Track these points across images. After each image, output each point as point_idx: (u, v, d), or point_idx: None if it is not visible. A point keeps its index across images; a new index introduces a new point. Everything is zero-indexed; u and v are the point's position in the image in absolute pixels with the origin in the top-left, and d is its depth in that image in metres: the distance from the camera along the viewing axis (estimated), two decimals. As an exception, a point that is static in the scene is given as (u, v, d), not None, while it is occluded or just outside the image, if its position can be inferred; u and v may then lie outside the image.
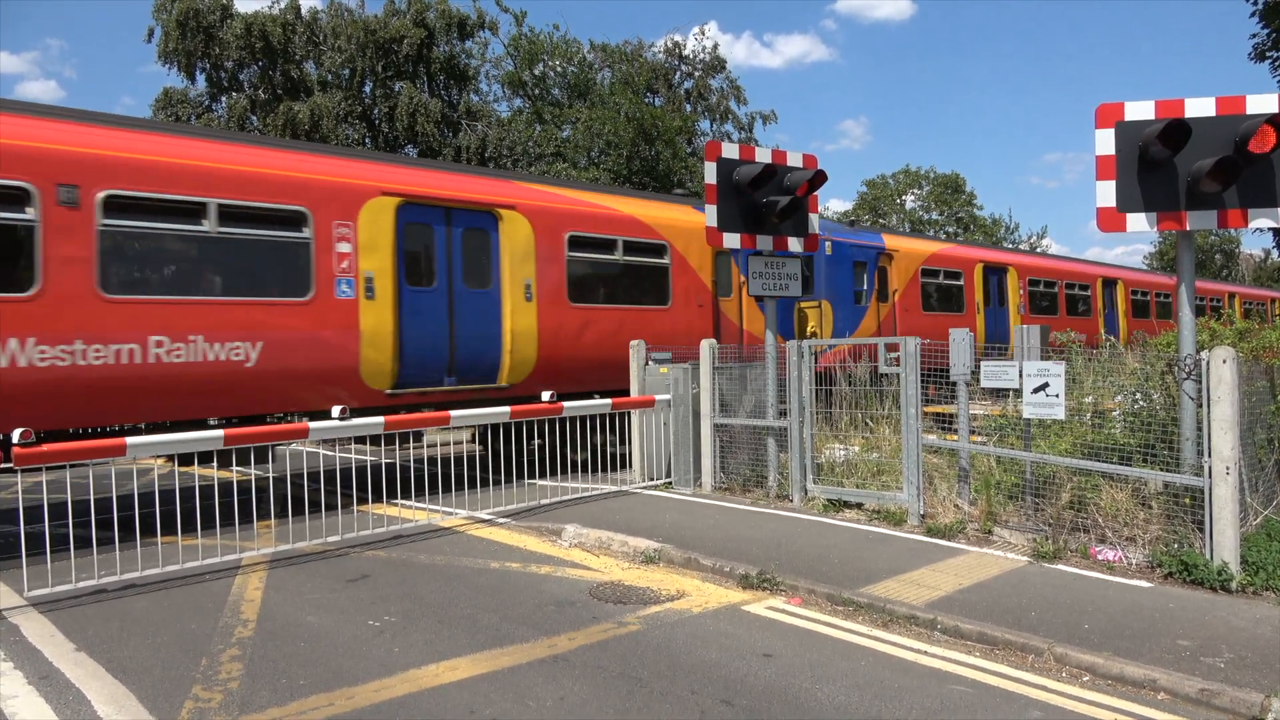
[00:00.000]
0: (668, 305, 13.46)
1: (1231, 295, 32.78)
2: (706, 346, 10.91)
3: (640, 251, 13.23)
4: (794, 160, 10.47)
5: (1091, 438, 8.19)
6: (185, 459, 9.14)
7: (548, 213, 12.06)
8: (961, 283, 19.80)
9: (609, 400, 10.87)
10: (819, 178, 10.26)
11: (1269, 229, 20.94)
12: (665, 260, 13.52)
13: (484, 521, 9.45)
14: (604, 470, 11.98)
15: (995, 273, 20.84)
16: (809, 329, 16.03)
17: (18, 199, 7.96)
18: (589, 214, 12.66)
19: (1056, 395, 7.72)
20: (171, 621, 6.30)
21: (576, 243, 12.32)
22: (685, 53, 35.28)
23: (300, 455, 14.91)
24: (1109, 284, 25.54)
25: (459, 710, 4.79)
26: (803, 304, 15.94)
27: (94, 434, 8.67)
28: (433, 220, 10.89)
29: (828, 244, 16.26)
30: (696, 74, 35.55)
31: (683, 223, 13.85)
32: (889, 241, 18.51)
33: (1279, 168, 7.22)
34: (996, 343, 19.36)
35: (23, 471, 6.75)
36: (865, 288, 17.22)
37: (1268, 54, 22.44)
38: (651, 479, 11.38)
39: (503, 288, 11.40)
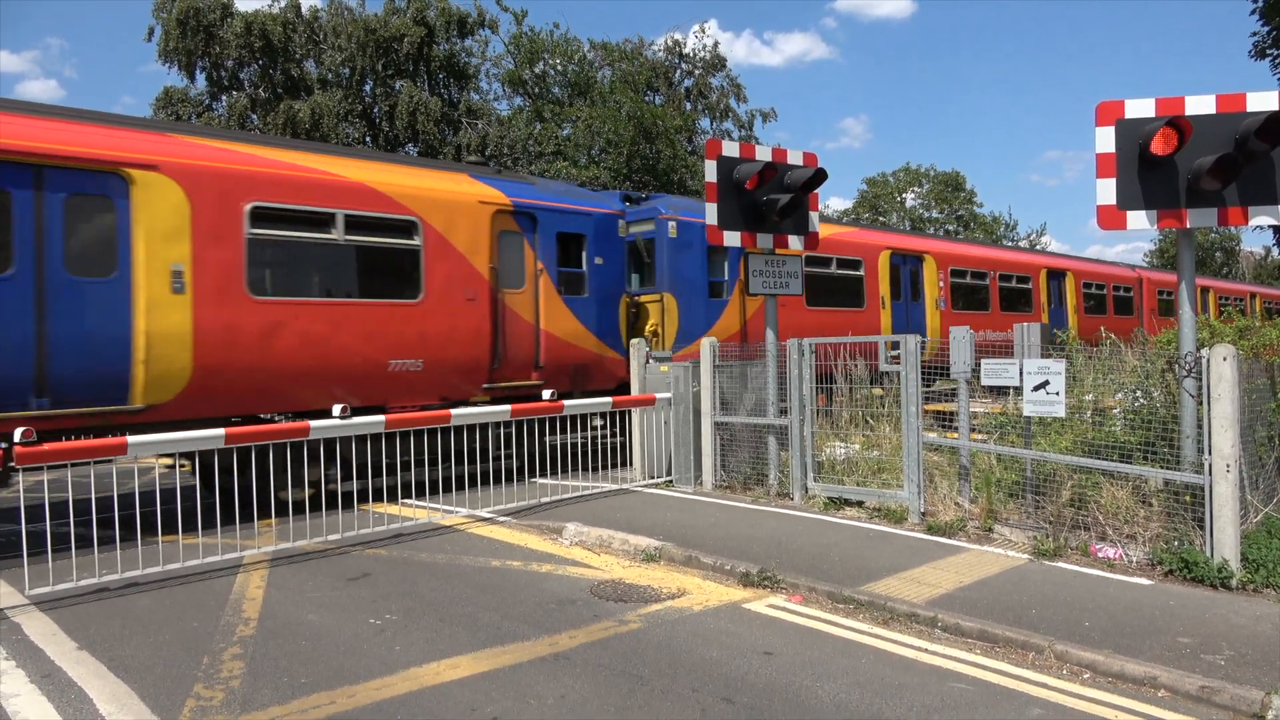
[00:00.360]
0: (418, 299, 10.71)
1: (1206, 290, 30.01)
2: (707, 345, 10.91)
3: (374, 230, 10.46)
4: (794, 158, 10.47)
5: (1092, 435, 8.20)
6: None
7: (214, 176, 9.24)
8: (861, 273, 16.96)
9: (609, 399, 10.88)
10: (819, 176, 10.26)
11: (1269, 226, 20.74)
12: (415, 241, 10.74)
13: (485, 520, 9.46)
14: (605, 468, 11.98)
15: (907, 261, 18.25)
16: (647, 327, 13.56)
17: None
18: (287, 179, 9.79)
19: (1057, 393, 7.72)
20: (173, 620, 6.31)
21: (265, 217, 9.55)
22: (685, 51, 35.30)
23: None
24: (1055, 276, 22.86)
25: (460, 708, 4.80)
26: (641, 298, 13.76)
27: (94, 433, 8.67)
28: (7, 182, 8.18)
29: (671, 224, 13.58)
30: (697, 72, 35.55)
31: (447, 194, 11.12)
32: None
33: (1279, 165, 7.22)
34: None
35: (24, 470, 6.76)
36: (726, 278, 14.48)
37: (1268, 51, 22.38)
38: (652, 477, 11.39)
39: (134, 275, 8.71)
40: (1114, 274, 25.96)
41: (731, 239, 10.10)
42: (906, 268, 18.27)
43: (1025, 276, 21.60)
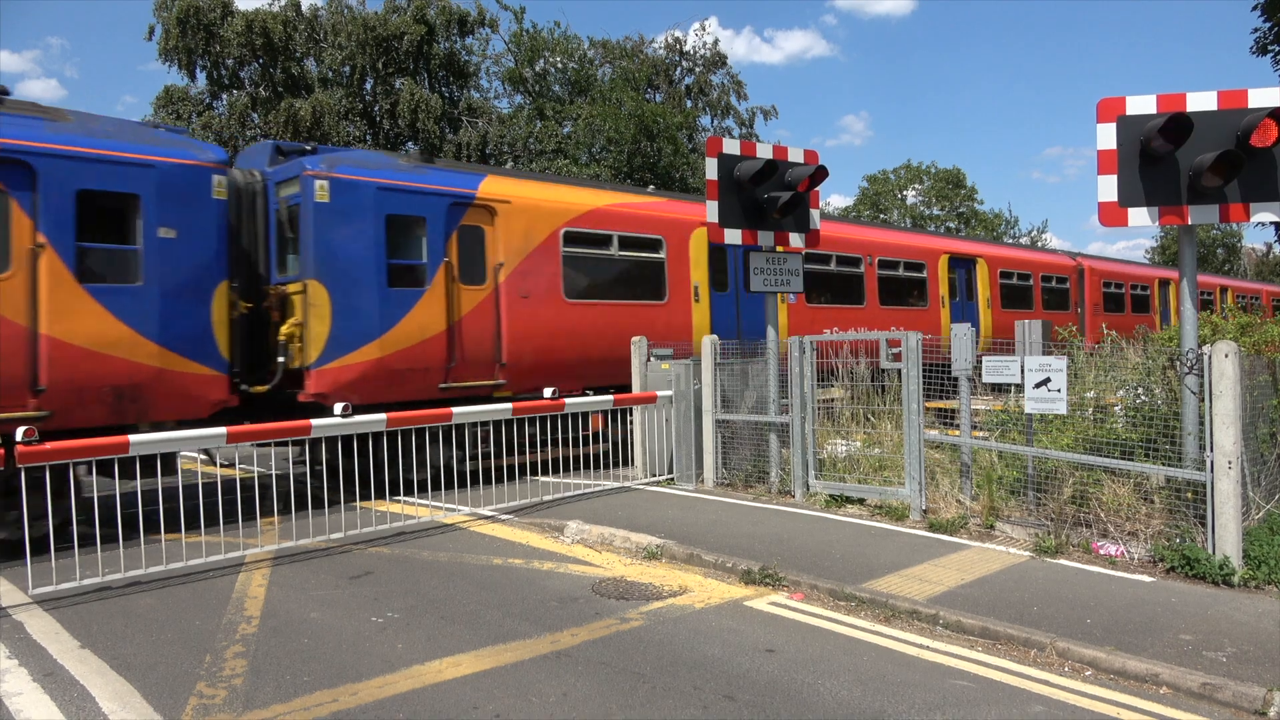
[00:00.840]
0: None
1: (1165, 282, 26.80)
2: (708, 342, 10.90)
3: None
4: (795, 156, 10.46)
5: (1093, 432, 8.19)
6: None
7: None
8: (662, 256, 13.33)
9: (610, 397, 10.88)
10: (820, 173, 10.25)
11: (1271, 223, 20.46)
12: None
13: (486, 518, 9.46)
14: (606, 466, 11.98)
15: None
16: (285, 328, 9.98)
17: None
18: None
19: (1058, 390, 7.72)
20: (175, 618, 6.31)
21: None
22: (686, 48, 35.30)
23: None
24: (962, 263, 19.10)
25: (462, 706, 4.81)
26: (289, 288, 10.24)
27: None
28: None
29: (319, 185, 10.04)
30: (697, 70, 35.54)
31: None
32: (492, 187, 11.65)
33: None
34: (733, 340, 13.13)
35: (26, 470, 6.77)
36: (425, 260, 10.85)
37: (1269, 47, 22.33)
38: (654, 475, 11.39)
39: None
40: (1043, 261, 22.36)
41: (733, 236, 10.09)
42: (737, 251, 14.24)
43: (917, 263, 18.07)
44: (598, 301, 12.60)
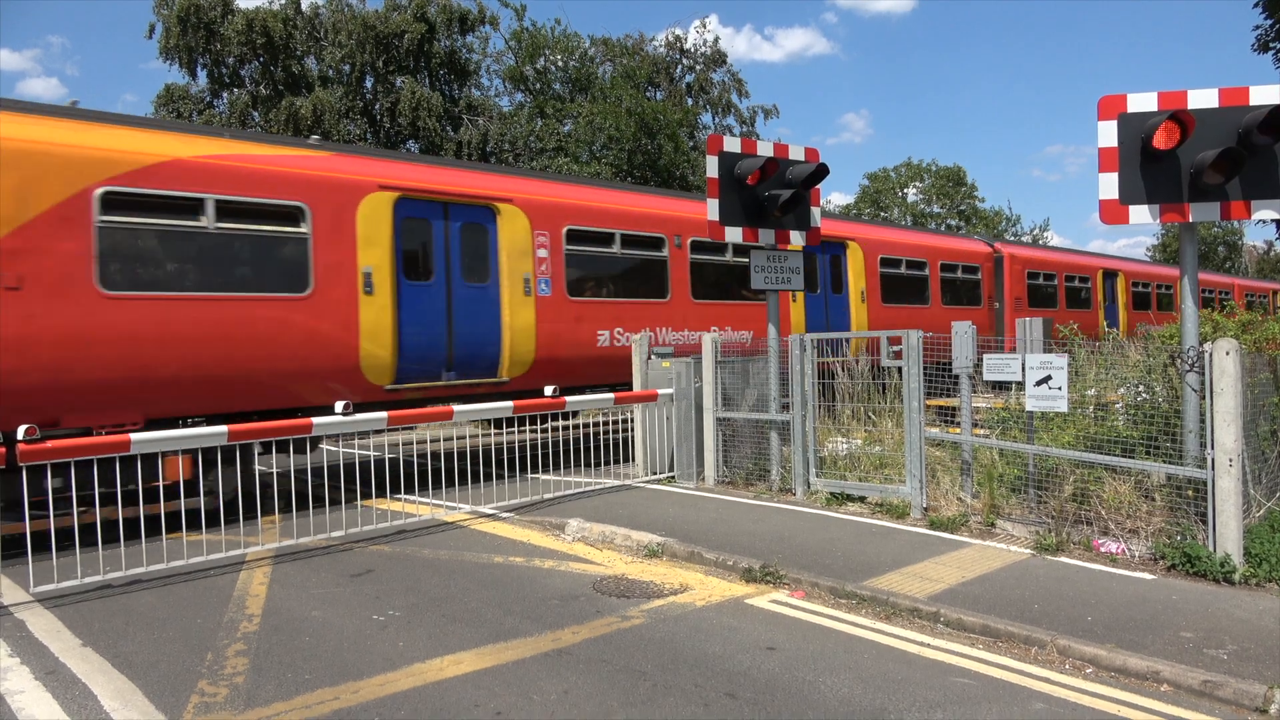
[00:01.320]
0: None
1: (1110, 274, 24.07)
2: (709, 340, 10.90)
3: None
4: (796, 154, 10.45)
5: (1094, 430, 8.19)
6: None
7: None
8: (305, 230, 9.57)
9: (611, 395, 10.88)
10: (821, 171, 10.25)
11: (1272, 220, 20.33)
12: None
13: (487, 516, 9.47)
14: (607, 464, 11.98)
15: (454, 215, 10.91)
16: None
17: None
18: None
19: (1059, 388, 7.72)
20: (177, 616, 6.32)
21: None
22: (686, 46, 35.26)
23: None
24: (824, 248, 15.46)
25: (463, 704, 4.81)
26: None
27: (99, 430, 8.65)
28: None
29: None
30: (698, 67, 35.50)
31: None
32: None
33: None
34: (415, 363, 10.50)
35: (27, 468, 6.77)
36: None
37: (1271, 45, 22.29)
38: (654, 473, 11.39)
39: None
40: (944, 247, 18.98)
41: (733, 234, 10.09)
42: (449, 225, 10.91)
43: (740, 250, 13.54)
44: (175, 295, 8.79)
